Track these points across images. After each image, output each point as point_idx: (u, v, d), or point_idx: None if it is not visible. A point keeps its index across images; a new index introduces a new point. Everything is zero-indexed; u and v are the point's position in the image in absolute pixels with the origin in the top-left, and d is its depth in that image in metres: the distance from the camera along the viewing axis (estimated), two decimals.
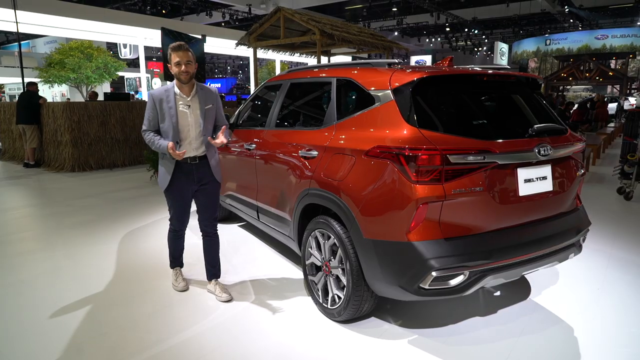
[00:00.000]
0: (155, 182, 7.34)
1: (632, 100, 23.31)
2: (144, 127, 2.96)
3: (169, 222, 3.21)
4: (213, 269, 3.23)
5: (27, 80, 9.65)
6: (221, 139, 2.88)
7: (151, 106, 2.89)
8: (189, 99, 2.90)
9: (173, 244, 3.28)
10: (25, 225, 5.04)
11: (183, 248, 3.35)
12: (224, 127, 2.95)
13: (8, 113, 9.88)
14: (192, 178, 2.98)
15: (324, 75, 3.24)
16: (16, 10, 10.30)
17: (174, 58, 2.80)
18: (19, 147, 9.66)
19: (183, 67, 2.80)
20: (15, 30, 10.56)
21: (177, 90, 2.89)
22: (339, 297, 2.75)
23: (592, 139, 9.60)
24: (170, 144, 2.77)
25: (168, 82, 3.34)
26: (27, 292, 3.28)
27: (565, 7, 23.30)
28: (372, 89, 2.65)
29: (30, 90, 9.06)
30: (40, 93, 9.54)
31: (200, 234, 3.19)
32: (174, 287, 3.28)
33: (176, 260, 3.35)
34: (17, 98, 9.39)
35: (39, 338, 2.65)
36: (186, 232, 3.28)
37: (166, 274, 3.57)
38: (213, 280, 3.22)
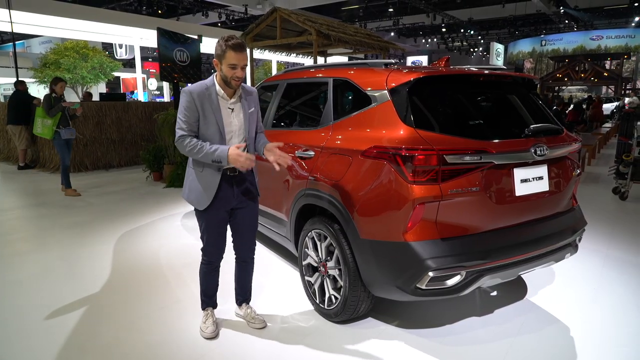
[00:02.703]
0: (151, 182, 7.30)
1: (626, 100, 23.46)
2: (181, 132, 2.36)
3: (201, 254, 2.66)
4: (244, 294, 2.85)
5: (18, 79, 9.53)
6: (285, 159, 2.40)
7: (190, 106, 2.35)
8: (232, 102, 2.44)
9: (206, 280, 2.68)
10: (21, 226, 5.01)
11: (218, 284, 2.75)
12: (274, 148, 2.42)
13: (2, 113, 9.81)
14: (231, 194, 2.50)
15: (320, 75, 3.23)
16: (10, 10, 10.24)
17: (230, 58, 2.27)
18: (14, 147, 9.59)
19: (239, 71, 2.31)
20: (10, 30, 10.50)
21: (219, 89, 2.40)
22: (336, 298, 2.74)
23: (587, 139, 9.64)
24: (234, 148, 2.27)
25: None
26: (23, 293, 3.25)
27: (561, 8, 23.41)
28: (369, 89, 2.65)
29: (20, 90, 8.87)
30: (35, 94, 9.42)
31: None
32: (201, 332, 2.66)
33: (209, 299, 2.75)
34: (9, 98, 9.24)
35: (34, 339, 2.63)
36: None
37: (162, 275, 3.56)
38: (244, 305, 2.86)
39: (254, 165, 2.38)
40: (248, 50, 10.08)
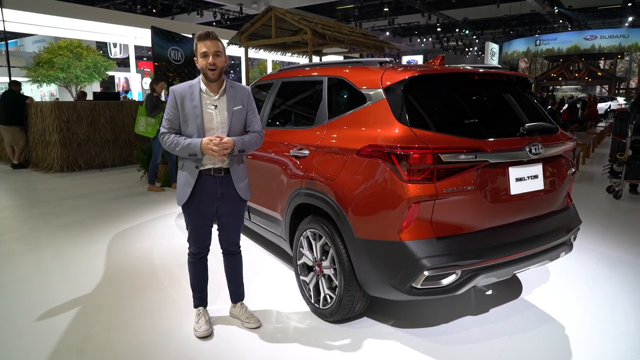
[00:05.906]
0: (145, 182, 7.27)
1: (620, 100, 23.69)
2: (162, 130, 2.47)
3: (187, 245, 2.70)
4: (237, 290, 2.82)
5: (13, 79, 9.44)
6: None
7: (172, 104, 2.43)
8: (216, 98, 2.45)
9: (194, 273, 2.69)
10: (14, 227, 4.96)
11: (207, 279, 2.75)
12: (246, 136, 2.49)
13: None
14: (214, 193, 2.51)
15: (315, 74, 3.22)
16: (3, 9, 10.15)
17: (200, 48, 2.37)
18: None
19: (210, 59, 2.35)
20: (2, 29, 10.41)
21: (203, 86, 2.45)
22: (331, 297, 2.73)
23: (582, 138, 9.68)
24: (207, 138, 2.35)
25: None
26: (16, 294, 3.22)
27: (555, 7, 23.52)
28: (364, 87, 2.64)
29: (13, 91, 8.78)
30: (29, 93, 9.35)
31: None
32: (195, 331, 2.64)
33: (199, 295, 2.74)
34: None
35: (28, 340, 2.60)
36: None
37: (157, 275, 3.53)
38: (238, 304, 2.83)
39: (227, 153, 2.39)
40: (239, 48, 10.09)
